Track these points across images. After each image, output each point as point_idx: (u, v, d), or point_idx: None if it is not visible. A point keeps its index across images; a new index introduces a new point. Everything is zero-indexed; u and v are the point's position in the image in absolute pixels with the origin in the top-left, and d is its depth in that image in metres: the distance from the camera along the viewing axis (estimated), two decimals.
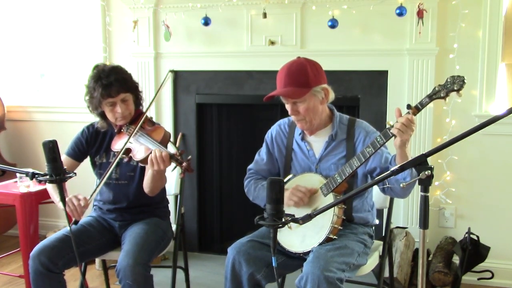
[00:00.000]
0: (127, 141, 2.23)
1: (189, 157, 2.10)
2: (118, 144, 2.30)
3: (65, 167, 2.27)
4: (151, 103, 2.41)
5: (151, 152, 2.10)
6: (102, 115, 2.37)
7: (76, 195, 2.15)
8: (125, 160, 2.28)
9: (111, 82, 2.22)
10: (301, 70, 2.07)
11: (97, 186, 2.26)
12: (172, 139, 2.40)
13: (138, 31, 3.50)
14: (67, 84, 3.95)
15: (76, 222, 2.16)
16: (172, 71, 2.31)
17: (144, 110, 2.44)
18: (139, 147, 2.21)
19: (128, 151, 2.25)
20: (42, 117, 3.99)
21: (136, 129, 2.25)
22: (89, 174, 2.54)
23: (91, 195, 2.21)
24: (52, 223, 3.99)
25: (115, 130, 2.38)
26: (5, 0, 4.00)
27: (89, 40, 3.79)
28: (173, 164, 2.09)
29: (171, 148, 2.28)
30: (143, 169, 2.37)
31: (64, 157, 2.42)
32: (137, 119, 2.33)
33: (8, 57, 4.10)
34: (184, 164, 2.06)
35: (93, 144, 2.45)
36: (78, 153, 2.44)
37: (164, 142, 2.20)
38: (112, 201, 2.43)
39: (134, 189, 2.40)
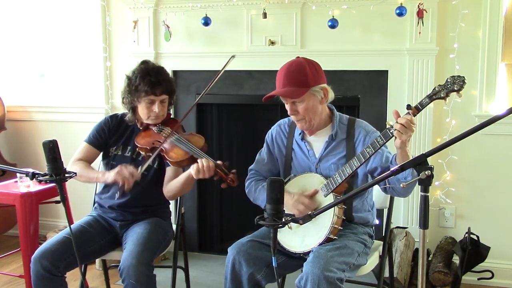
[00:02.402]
0: (164, 141, 2.25)
1: (234, 170, 2.13)
2: (145, 141, 2.32)
3: (87, 155, 2.41)
4: (187, 113, 2.42)
5: (190, 156, 2.16)
6: (133, 110, 2.39)
7: (126, 166, 2.21)
8: (143, 158, 2.31)
9: (160, 81, 2.28)
10: (300, 70, 2.07)
11: (145, 163, 2.25)
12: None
13: (138, 31, 3.50)
14: (67, 84, 3.95)
15: (124, 194, 2.22)
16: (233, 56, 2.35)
17: (173, 115, 2.51)
18: (174, 148, 2.24)
19: (156, 150, 2.27)
20: (42, 117, 3.99)
21: (173, 131, 2.29)
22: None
23: (140, 170, 2.22)
24: (52, 223, 3.99)
25: (139, 126, 2.40)
26: (5, 0, 4.00)
27: (89, 40, 3.78)
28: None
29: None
30: (157, 171, 2.38)
31: (85, 145, 2.44)
32: (167, 122, 2.38)
33: (8, 57, 4.10)
34: (230, 176, 2.09)
35: (114, 134, 2.47)
36: (100, 141, 2.45)
37: (204, 149, 2.24)
38: (115, 194, 2.42)
39: (143, 188, 2.39)
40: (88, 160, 2.42)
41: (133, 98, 2.32)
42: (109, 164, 2.44)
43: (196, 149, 2.20)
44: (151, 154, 2.27)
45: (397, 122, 1.85)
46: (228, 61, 2.35)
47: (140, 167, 2.24)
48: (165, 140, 2.26)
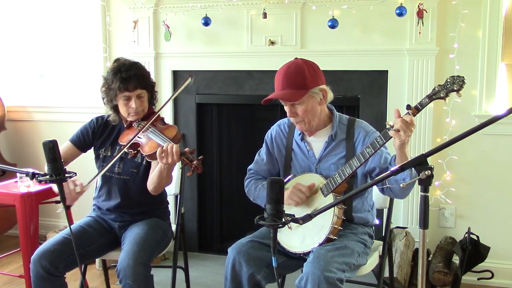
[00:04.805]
0: (136, 135, 2.24)
1: (200, 156, 2.11)
2: (126, 138, 2.31)
3: (67, 153, 2.37)
4: (164, 105, 2.43)
5: (162, 146, 2.13)
6: (115, 109, 2.39)
7: (74, 180, 2.17)
8: (130, 155, 2.30)
9: (130, 76, 2.26)
10: (298, 72, 2.06)
11: (96, 175, 2.24)
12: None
13: (138, 31, 3.50)
14: (67, 84, 3.95)
15: (68, 207, 2.17)
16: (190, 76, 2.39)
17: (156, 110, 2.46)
18: (149, 142, 2.22)
19: (136, 145, 2.26)
20: (42, 117, 3.99)
21: (148, 124, 2.27)
22: (89, 170, 2.53)
23: (88, 183, 2.21)
24: (52, 223, 3.99)
25: (125, 125, 2.39)
26: (5, 0, 4.00)
27: (89, 40, 3.78)
28: (180, 162, 2.10)
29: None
30: (147, 168, 2.37)
31: (67, 144, 2.44)
32: (149, 117, 2.35)
33: (8, 57, 4.10)
34: (194, 162, 2.07)
35: (99, 136, 2.46)
36: (82, 142, 2.45)
37: (175, 140, 2.22)
38: (110, 195, 2.43)
39: (135, 186, 2.40)
40: (66, 158, 2.37)
41: (110, 98, 2.32)
42: (101, 167, 2.43)
43: (167, 140, 2.18)
44: (132, 151, 2.26)
45: (395, 122, 1.85)
46: (185, 82, 2.36)
47: (88, 182, 2.21)
48: (138, 132, 2.25)
